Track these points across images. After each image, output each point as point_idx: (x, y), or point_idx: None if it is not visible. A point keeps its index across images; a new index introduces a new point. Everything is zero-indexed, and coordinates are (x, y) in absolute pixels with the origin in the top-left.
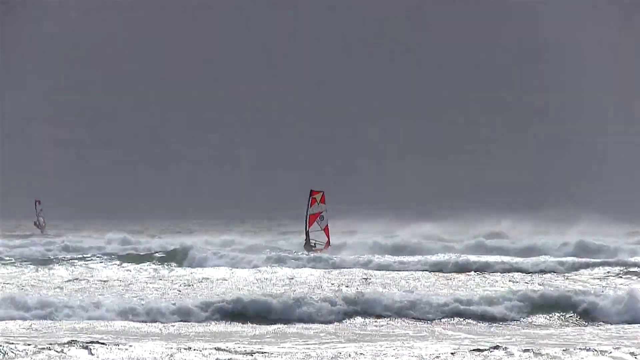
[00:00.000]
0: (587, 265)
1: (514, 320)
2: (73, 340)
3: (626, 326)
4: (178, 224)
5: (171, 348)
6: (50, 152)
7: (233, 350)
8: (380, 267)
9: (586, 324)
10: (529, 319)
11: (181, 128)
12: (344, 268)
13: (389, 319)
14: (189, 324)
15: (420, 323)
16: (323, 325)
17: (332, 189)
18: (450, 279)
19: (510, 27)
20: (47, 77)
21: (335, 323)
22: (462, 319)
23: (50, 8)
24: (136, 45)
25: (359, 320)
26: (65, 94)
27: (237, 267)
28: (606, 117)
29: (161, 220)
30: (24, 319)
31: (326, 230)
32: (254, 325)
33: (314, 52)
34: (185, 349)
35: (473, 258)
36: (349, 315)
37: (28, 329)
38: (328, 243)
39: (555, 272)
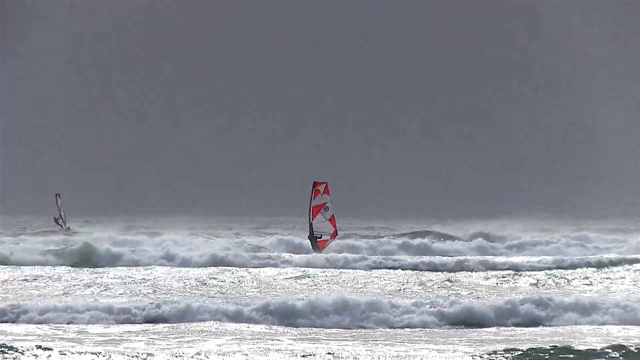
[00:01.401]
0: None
1: None
2: None
3: None
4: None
5: None
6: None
7: None
8: None
9: None
10: None
11: (192, 125)
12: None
13: None
14: None
15: None
16: None
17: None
18: None
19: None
20: (47, 77)
21: None
22: None
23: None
24: (145, 37)
25: None
26: (66, 91)
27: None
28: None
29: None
30: None
31: (332, 220)
32: None
33: (314, 44)
34: None
35: None
36: None
37: None
38: (335, 233)
39: None
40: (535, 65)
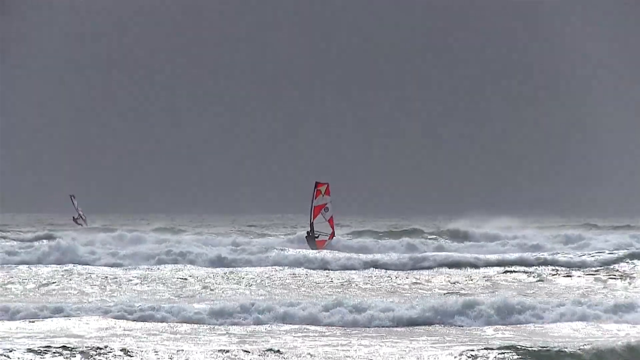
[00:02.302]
0: None
1: None
2: None
3: None
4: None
5: None
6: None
7: None
8: None
9: None
10: None
11: (194, 123)
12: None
13: None
14: None
15: None
16: None
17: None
18: None
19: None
20: (47, 78)
21: None
22: None
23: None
24: (145, 37)
25: None
26: (67, 92)
27: None
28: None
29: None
30: None
31: (330, 221)
32: None
33: (314, 44)
34: None
35: None
36: None
37: None
38: (333, 234)
39: None
40: (535, 65)
